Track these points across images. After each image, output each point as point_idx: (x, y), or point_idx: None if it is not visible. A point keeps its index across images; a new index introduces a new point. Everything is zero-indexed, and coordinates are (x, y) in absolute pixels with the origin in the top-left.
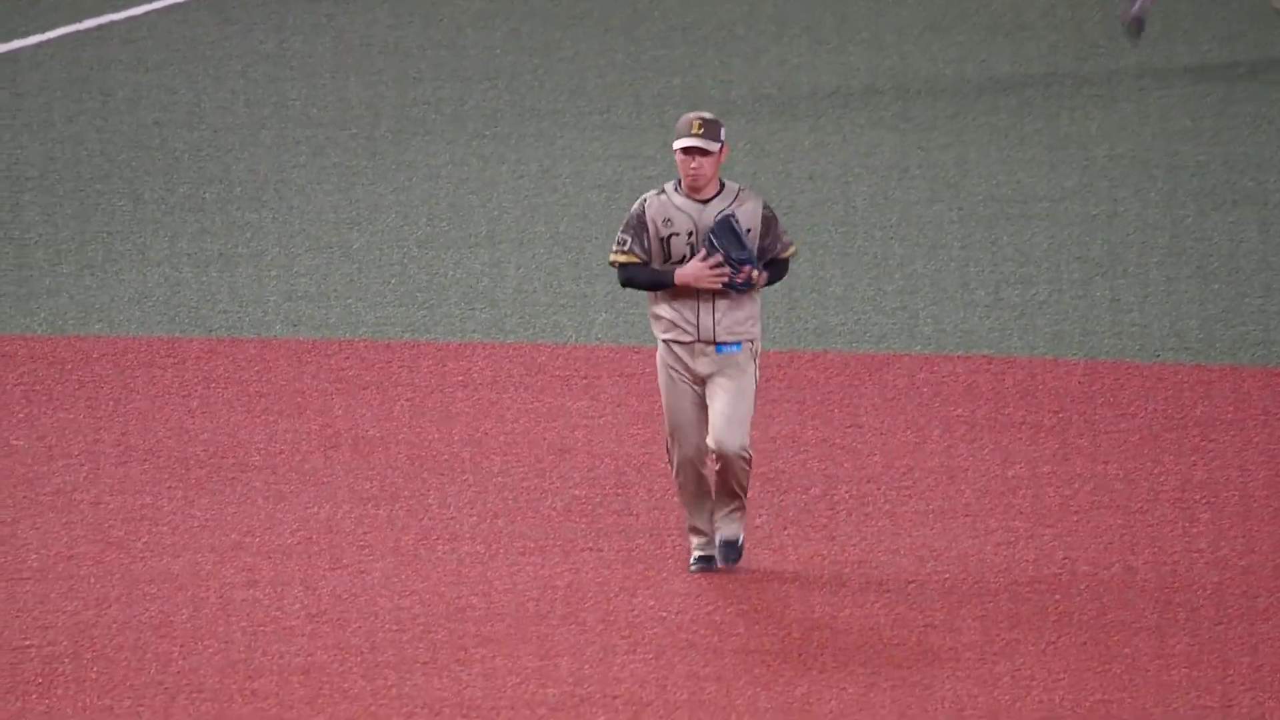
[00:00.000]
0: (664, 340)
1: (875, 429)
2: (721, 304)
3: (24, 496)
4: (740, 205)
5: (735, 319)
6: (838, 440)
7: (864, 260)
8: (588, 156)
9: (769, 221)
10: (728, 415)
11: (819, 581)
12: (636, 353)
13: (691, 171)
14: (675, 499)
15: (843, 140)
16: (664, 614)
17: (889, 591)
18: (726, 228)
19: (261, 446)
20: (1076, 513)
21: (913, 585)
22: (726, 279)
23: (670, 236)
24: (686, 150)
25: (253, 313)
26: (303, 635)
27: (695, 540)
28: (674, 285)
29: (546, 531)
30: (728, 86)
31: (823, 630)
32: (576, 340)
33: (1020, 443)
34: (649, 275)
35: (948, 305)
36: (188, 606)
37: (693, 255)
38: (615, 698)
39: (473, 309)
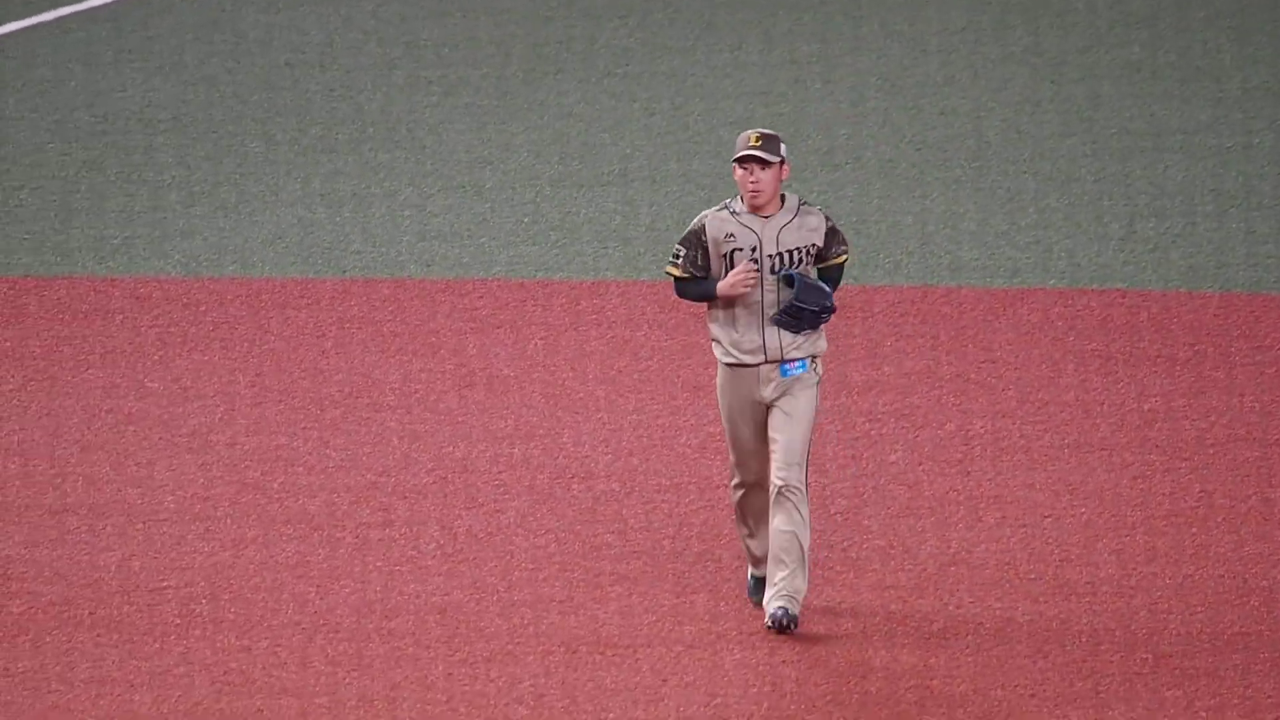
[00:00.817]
0: (725, 364)
1: (1010, 364)
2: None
3: (160, 438)
4: (802, 220)
5: (802, 336)
6: (972, 375)
7: (997, 195)
8: (719, 94)
9: (832, 233)
10: (788, 444)
11: (954, 517)
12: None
13: (751, 187)
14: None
15: (974, 75)
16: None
17: (1025, 526)
18: (804, 287)
19: (396, 386)
20: (1212, 446)
21: (1049, 520)
22: (754, 282)
23: (733, 252)
24: (744, 161)
25: (386, 253)
26: (439, 574)
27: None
28: (716, 297)
29: (681, 469)
30: (858, 22)
31: (959, 565)
32: None
33: (1155, 376)
34: (697, 289)
35: (1081, 239)
36: (324, 547)
37: (757, 270)
38: (752, 634)
39: (606, 248)
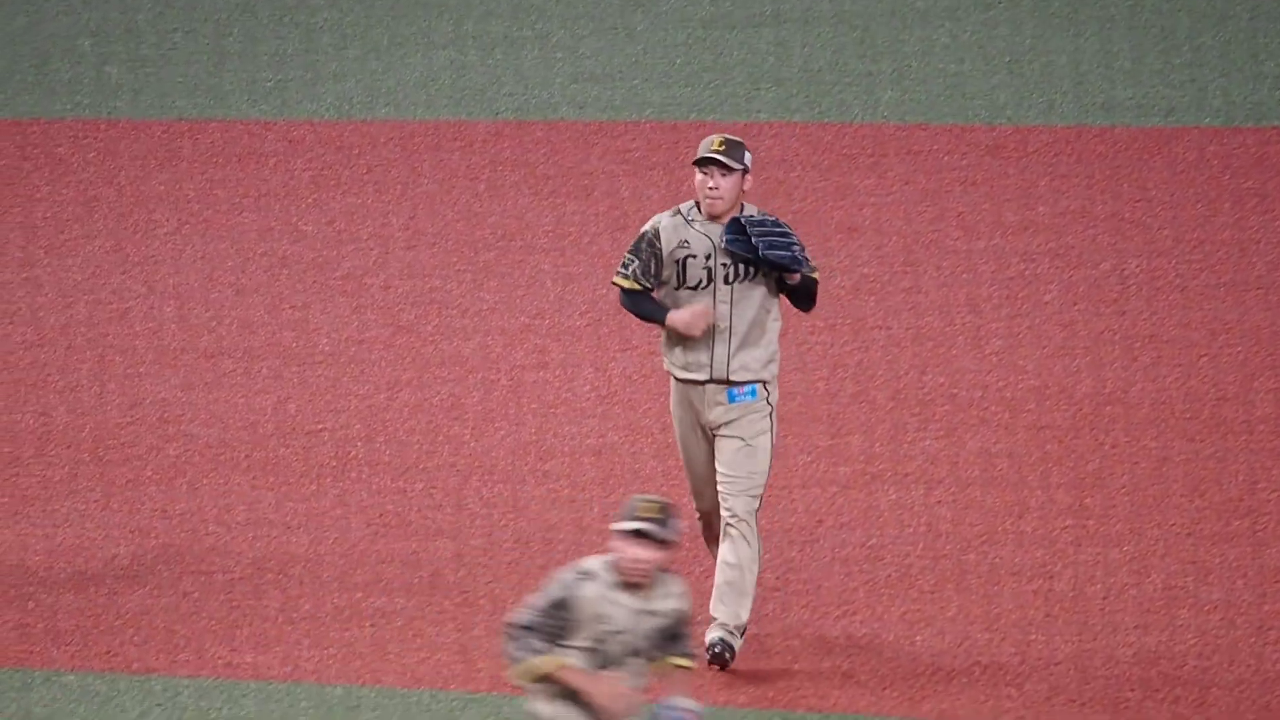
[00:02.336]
0: (675, 379)
1: (1165, 203)
2: (736, 339)
3: (314, 281)
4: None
5: (752, 356)
6: (1127, 215)
7: (1151, 33)
8: None
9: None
10: (735, 475)
11: (1110, 356)
12: (924, 130)
13: (710, 194)
14: None
15: None
16: (954, 391)
17: (1180, 365)
18: (737, 228)
19: (550, 229)
20: None
21: (1205, 359)
22: (712, 324)
23: (686, 259)
24: (704, 165)
25: (539, 95)
26: (594, 416)
27: None
28: (664, 325)
29: (835, 310)
30: None
31: (1114, 404)
32: (862, 119)
33: None
34: (646, 308)
35: (1237, 77)
36: (479, 390)
37: (710, 280)
38: (906, 475)
39: (758, 89)
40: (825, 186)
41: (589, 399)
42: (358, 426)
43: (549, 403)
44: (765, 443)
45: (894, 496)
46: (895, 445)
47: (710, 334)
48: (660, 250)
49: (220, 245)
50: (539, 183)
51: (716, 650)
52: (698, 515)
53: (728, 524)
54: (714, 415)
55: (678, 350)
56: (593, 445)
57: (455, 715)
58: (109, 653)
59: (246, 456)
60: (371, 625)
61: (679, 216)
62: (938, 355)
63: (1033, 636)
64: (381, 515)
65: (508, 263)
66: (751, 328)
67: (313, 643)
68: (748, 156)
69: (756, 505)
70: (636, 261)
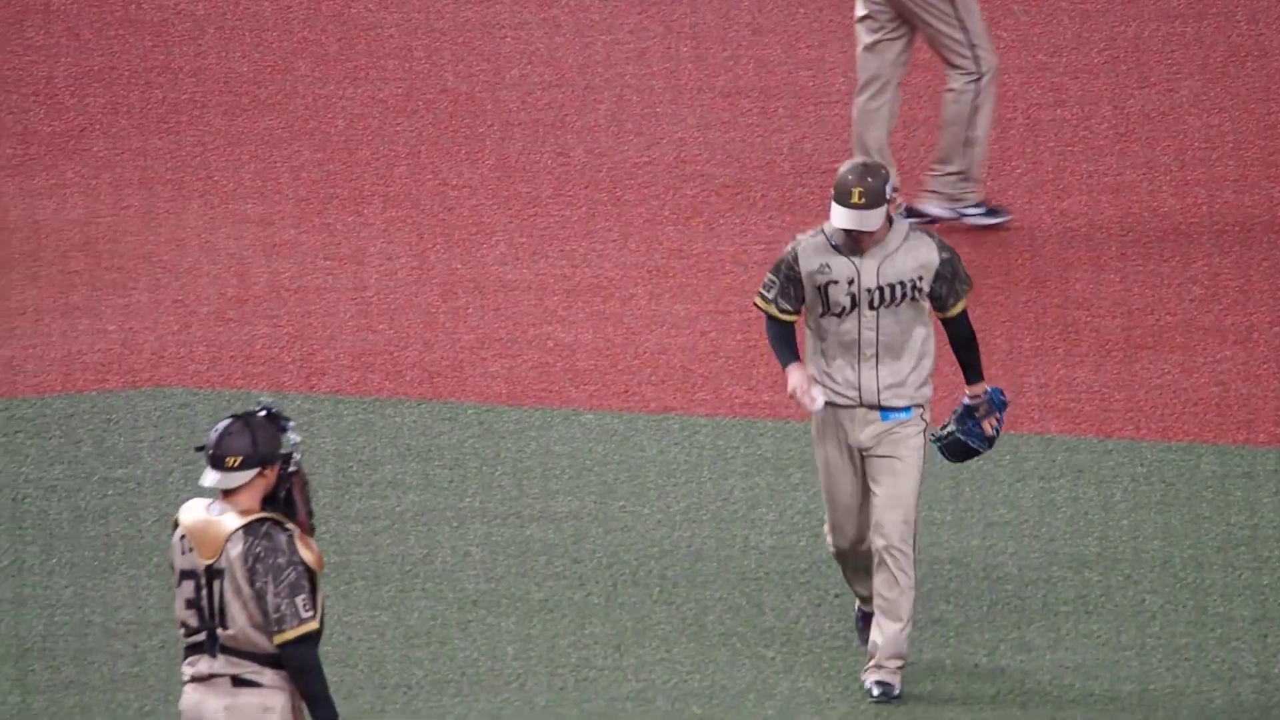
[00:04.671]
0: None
1: None
2: (885, 364)
3: (831, 20)
4: (910, 249)
5: (903, 380)
6: None
7: None
8: None
9: (946, 265)
10: (891, 501)
11: None
12: None
13: (852, 243)
14: None
15: None
16: None
17: None
18: (962, 449)
19: None
20: None
21: None
22: (808, 409)
23: (828, 285)
24: (847, 231)
25: None
26: (1110, 155)
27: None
28: (783, 369)
29: None
30: None
31: None
32: None
33: None
34: (776, 345)
35: None
36: (994, 128)
37: (854, 305)
38: None
39: None
40: None
41: (1106, 136)
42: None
43: (1065, 141)
44: (918, 463)
45: None
46: None
47: (856, 359)
48: (799, 274)
49: None
50: None
51: (877, 696)
52: (832, 552)
53: (882, 553)
54: (866, 435)
55: (817, 368)
56: (1109, 184)
57: None
58: (626, 392)
59: (763, 196)
60: None
61: (821, 236)
62: None
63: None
64: None
65: None
66: (900, 351)
67: None
68: (889, 190)
69: (912, 531)
70: (776, 285)
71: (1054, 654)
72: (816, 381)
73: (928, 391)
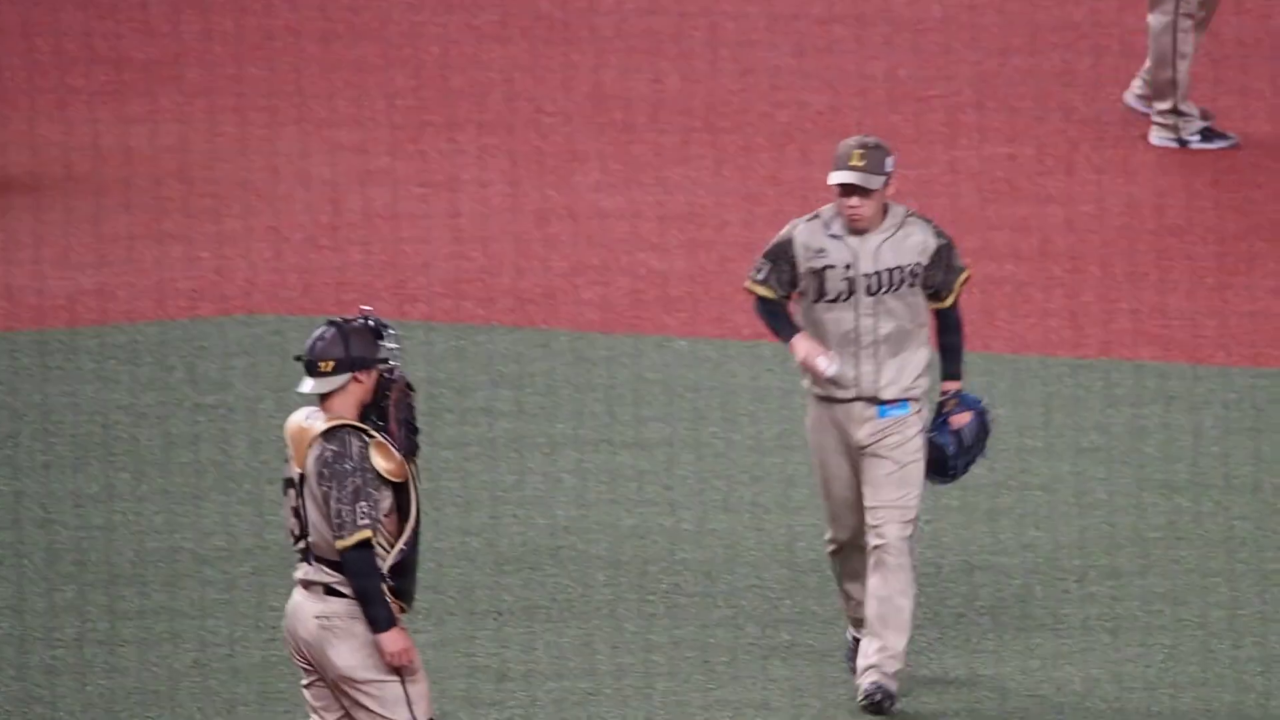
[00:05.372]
0: (814, 396)
1: None
2: (883, 354)
3: None
4: (906, 233)
5: (901, 371)
6: None
7: None
8: None
9: (942, 252)
10: (887, 499)
11: None
12: None
13: (850, 212)
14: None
15: None
16: None
17: None
18: (982, 430)
19: None
20: None
21: None
22: (821, 374)
23: (825, 269)
24: (843, 187)
25: None
26: (1203, 82)
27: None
28: (788, 345)
29: None
30: None
31: None
32: None
33: None
34: (775, 322)
35: None
36: None
37: (851, 291)
38: None
39: None
40: None
41: None
42: (968, 93)
43: None
44: (919, 461)
45: None
46: None
47: (853, 350)
48: (794, 257)
49: None
50: None
51: (875, 699)
52: (830, 548)
53: (878, 552)
54: (863, 433)
55: None
56: None
57: (1063, 380)
58: (719, 319)
59: (857, 124)
60: (981, 292)
61: (818, 221)
62: None
63: None
64: (991, 182)
65: None
66: (899, 341)
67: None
68: (889, 162)
69: (910, 531)
70: (769, 266)
71: (1143, 580)
72: (806, 376)
73: (925, 383)
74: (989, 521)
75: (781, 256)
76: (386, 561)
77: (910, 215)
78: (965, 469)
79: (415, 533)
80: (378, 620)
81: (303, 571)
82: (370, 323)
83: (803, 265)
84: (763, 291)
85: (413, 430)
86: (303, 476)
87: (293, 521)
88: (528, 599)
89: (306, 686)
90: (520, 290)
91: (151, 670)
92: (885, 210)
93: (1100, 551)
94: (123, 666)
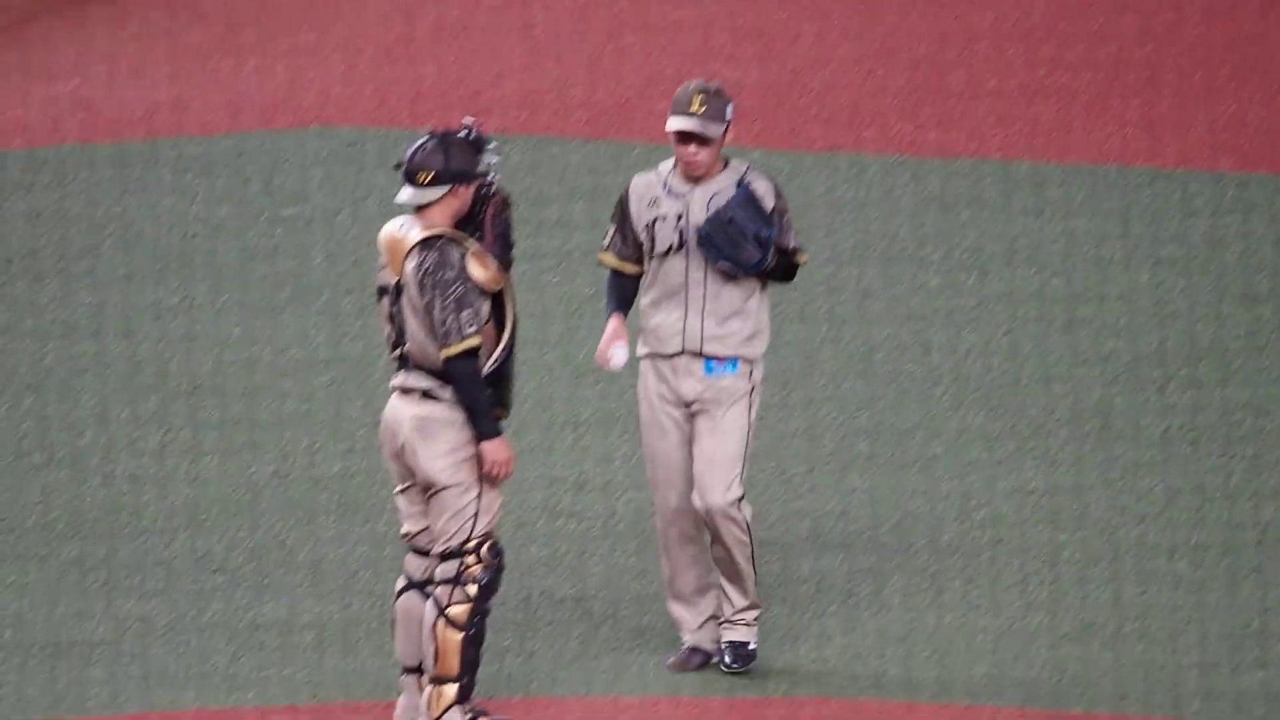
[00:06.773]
0: (644, 357)
1: None
2: (711, 309)
3: None
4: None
5: (730, 329)
6: None
7: None
8: None
9: (776, 213)
10: (712, 460)
11: None
12: None
13: (687, 159)
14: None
15: None
16: None
17: None
18: (746, 199)
19: None
20: None
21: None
22: (604, 366)
23: (655, 221)
24: (680, 134)
25: None
26: None
27: (682, 622)
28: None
29: None
30: None
31: None
32: None
33: None
34: (607, 296)
35: None
36: None
37: (681, 244)
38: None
39: None
40: None
41: None
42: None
43: None
44: (743, 421)
45: None
46: None
47: (682, 302)
48: (629, 213)
49: None
50: None
51: (732, 663)
52: (656, 522)
53: (709, 515)
54: (688, 389)
55: (648, 319)
56: None
57: (1140, 190)
58: (793, 130)
59: None
60: (1056, 102)
61: (653, 175)
62: None
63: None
64: None
65: None
66: (729, 297)
67: (997, 120)
68: (729, 110)
69: (738, 494)
70: (612, 230)
71: (1224, 390)
72: (642, 330)
73: (758, 348)
74: (1066, 333)
75: (622, 215)
76: (484, 371)
77: (751, 168)
78: (730, 238)
79: (512, 342)
80: (484, 428)
81: (400, 379)
82: (472, 135)
83: (638, 219)
84: (608, 260)
85: (508, 245)
86: (399, 285)
87: (389, 329)
88: (604, 410)
89: (401, 492)
90: (594, 102)
91: (232, 480)
92: (726, 164)
93: (1180, 362)
94: (205, 476)
